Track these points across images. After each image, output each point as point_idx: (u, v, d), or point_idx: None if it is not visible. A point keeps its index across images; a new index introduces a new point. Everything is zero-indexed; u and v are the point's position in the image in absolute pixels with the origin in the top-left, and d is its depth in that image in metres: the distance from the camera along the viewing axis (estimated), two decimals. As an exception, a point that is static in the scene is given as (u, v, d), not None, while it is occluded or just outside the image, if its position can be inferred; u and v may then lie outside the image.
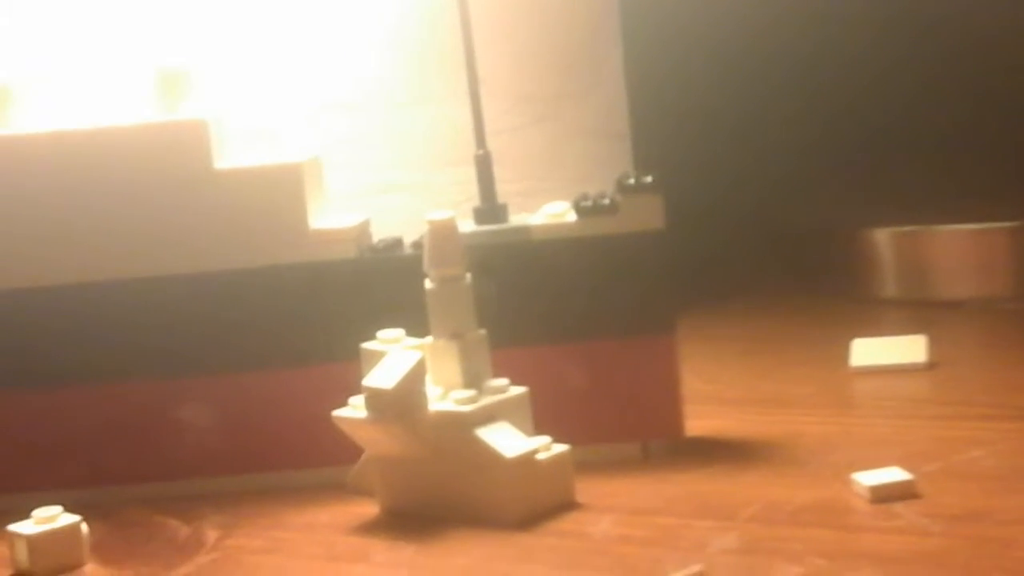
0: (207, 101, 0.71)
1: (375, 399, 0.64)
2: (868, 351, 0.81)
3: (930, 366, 0.80)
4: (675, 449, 0.70)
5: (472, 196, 0.72)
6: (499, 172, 0.94)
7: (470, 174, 0.72)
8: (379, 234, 0.72)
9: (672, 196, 1.00)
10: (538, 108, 0.95)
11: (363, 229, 0.71)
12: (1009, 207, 0.96)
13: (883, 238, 0.97)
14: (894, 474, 0.61)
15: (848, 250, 0.99)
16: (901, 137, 1.09)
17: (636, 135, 0.95)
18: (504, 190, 0.94)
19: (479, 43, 0.93)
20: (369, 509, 0.66)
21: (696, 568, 0.52)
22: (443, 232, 0.65)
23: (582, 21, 0.95)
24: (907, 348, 0.81)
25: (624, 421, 0.70)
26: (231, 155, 0.71)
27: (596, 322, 0.69)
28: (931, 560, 0.54)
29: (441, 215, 0.65)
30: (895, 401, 0.75)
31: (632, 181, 0.69)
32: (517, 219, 0.71)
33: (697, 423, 0.72)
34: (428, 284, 0.66)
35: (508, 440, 0.63)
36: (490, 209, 0.71)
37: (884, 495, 0.60)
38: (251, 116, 0.77)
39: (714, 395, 0.79)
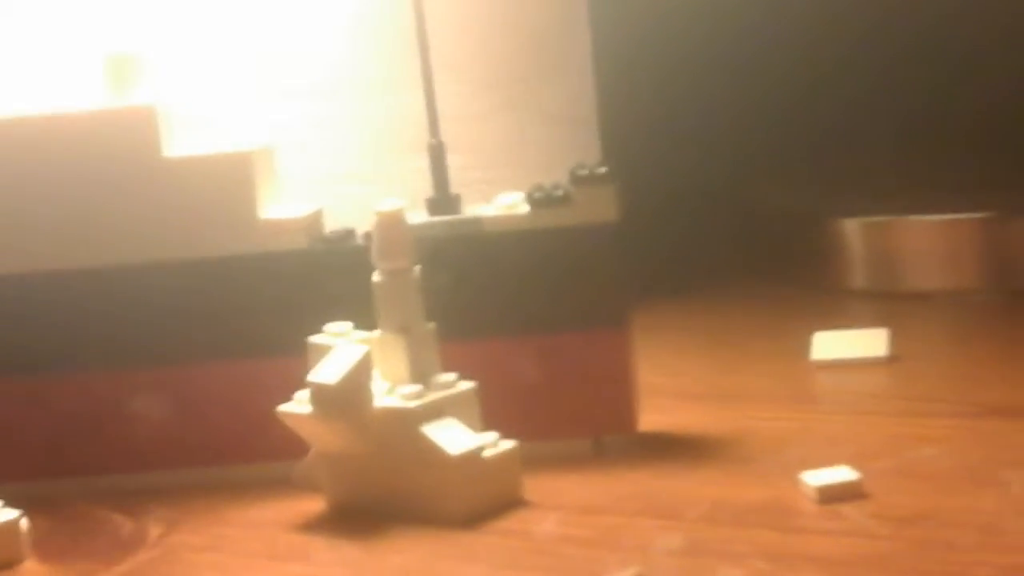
0: (158, 88, 0.70)
1: (320, 394, 0.63)
2: (829, 344, 0.80)
3: (892, 360, 0.79)
4: (628, 445, 0.69)
5: (427, 185, 0.71)
6: (464, 159, 0.93)
7: (426, 162, 0.71)
8: (339, 223, 0.71)
9: (639, 183, 0.99)
10: (503, 94, 0.94)
11: (315, 219, 0.70)
12: (979, 199, 0.95)
13: (852, 228, 0.96)
14: (842, 474, 0.60)
15: (817, 240, 0.98)
16: (870, 126, 1.08)
17: (603, 121, 0.94)
18: (469, 177, 0.93)
19: (443, 28, 0.92)
20: (315, 505, 0.65)
21: (634, 570, 0.51)
22: (391, 223, 0.64)
23: (549, 5, 0.94)
24: (868, 342, 0.80)
25: (576, 416, 0.69)
26: (185, 143, 0.70)
27: (549, 315, 0.68)
28: (875, 563, 0.53)
29: (389, 206, 0.64)
30: (853, 396, 0.75)
31: (585, 172, 0.67)
32: (470, 210, 0.69)
33: (653, 418, 0.72)
34: (376, 276, 0.65)
35: (454, 437, 0.62)
36: (443, 200, 0.70)
37: (831, 495, 0.59)
38: (206, 102, 0.76)
39: (673, 389, 0.78)
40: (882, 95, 1.08)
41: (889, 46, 1.08)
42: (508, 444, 0.64)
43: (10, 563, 0.62)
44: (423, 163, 0.72)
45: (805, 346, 0.81)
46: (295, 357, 0.65)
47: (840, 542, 0.55)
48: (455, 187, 0.72)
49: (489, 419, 0.65)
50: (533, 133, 0.94)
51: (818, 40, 1.09)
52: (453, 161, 0.93)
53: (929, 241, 0.94)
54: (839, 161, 1.08)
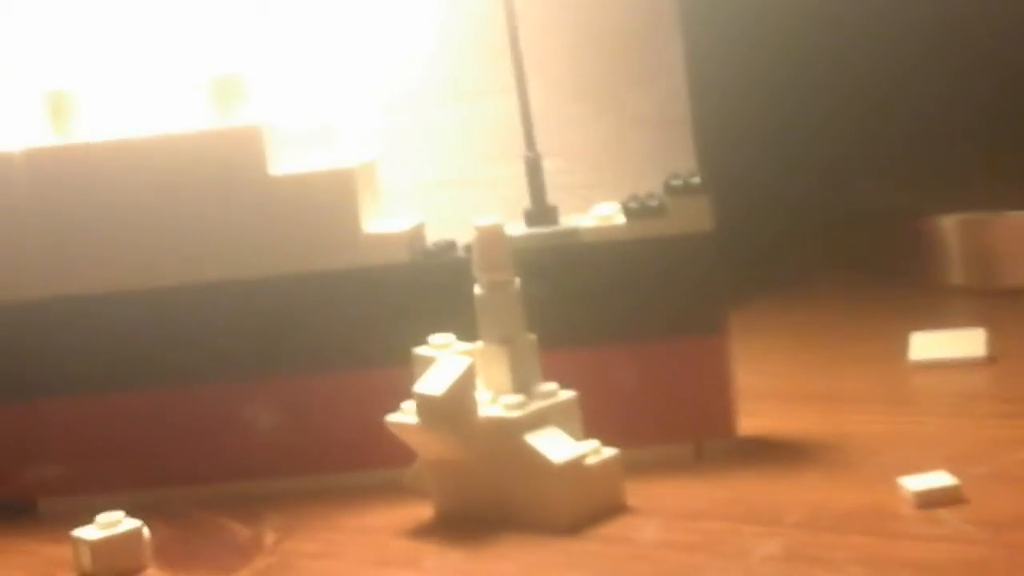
0: (261, 105, 0.72)
1: (425, 405, 0.64)
2: (927, 345, 0.80)
3: (990, 360, 0.79)
4: (728, 449, 0.70)
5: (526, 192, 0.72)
6: (559, 164, 0.95)
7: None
8: (440, 233, 0.72)
9: (733, 184, 1.00)
10: (597, 98, 0.95)
11: (417, 232, 0.72)
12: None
13: (949, 224, 0.97)
14: (940, 479, 0.61)
15: (913, 237, 0.99)
16: (965, 121, 1.08)
17: (696, 124, 0.95)
18: (564, 182, 0.95)
19: (535, 36, 0.93)
20: (424, 512, 0.67)
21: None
22: (491, 238, 0.66)
23: (642, 8, 0.94)
24: (966, 342, 0.80)
25: (676, 422, 0.70)
26: (287, 158, 0.72)
27: (646, 323, 0.70)
28: (971, 569, 0.54)
29: (488, 221, 0.66)
30: (951, 398, 0.75)
31: (679, 182, 0.69)
32: (567, 221, 0.71)
33: (752, 421, 0.73)
34: (477, 289, 0.66)
35: (557, 445, 0.64)
36: (540, 211, 0.71)
37: (929, 501, 0.60)
38: (308, 117, 0.78)
39: (770, 391, 0.79)
40: (976, 89, 1.08)
41: (982, 40, 1.08)
42: (610, 451, 0.65)
43: (134, 571, 0.64)
44: (520, 169, 0.73)
45: (903, 346, 0.81)
46: (401, 368, 0.67)
47: (937, 548, 0.56)
48: (551, 192, 0.73)
49: (590, 427, 0.66)
50: (628, 137, 0.95)
51: (911, 36, 1.09)
52: (548, 166, 0.94)
53: (1025, 237, 0.94)
54: (934, 158, 1.08)
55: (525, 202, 0.72)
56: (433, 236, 0.72)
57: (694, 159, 0.94)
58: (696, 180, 0.69)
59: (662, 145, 0.95)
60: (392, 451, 0.67)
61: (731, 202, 0.99)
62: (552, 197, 0.72)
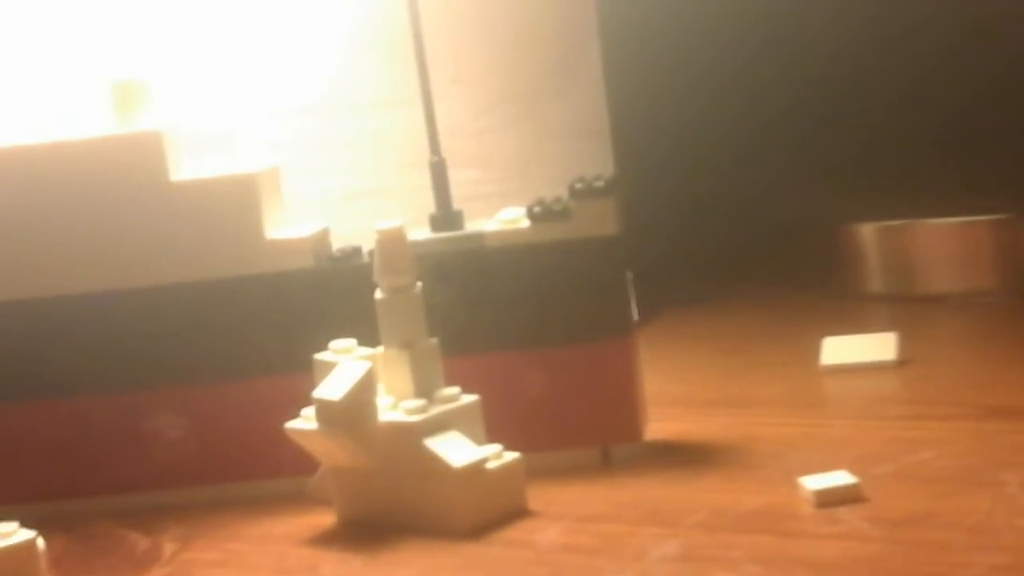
0: (164, 111, 0.72)
1: (324, 410, 0.64)
2: (838, 349, 0.80)
3: (901, 364, 0.79)
4: (635, 454, 0.70)
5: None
6: (478, 173, 0.95)
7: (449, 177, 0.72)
8: (351, 241, 0.72)
9: (652, 193, 1.00)
10: (517, 107, 0.95)
11: (321, 237, 0.71)
12: (993, 200, 0.95)
13: (867, 233, 0.97)
14: (840, 478, 0.61)
15: (832, 245, 0.99)
16: (885, 131, 1.08)
17: (617, 132, 0.95)
18: (483, 191, 0.95)
19: (454, 46, 0.93)
20: (326, 519, 0.66)
21: (624, 579, 0.52)
22: (392, 241, 0.65)
23: (559, 19, 0.95)
24: (877, 346, 0.80)
25: (583, 427, 0.70)
26: (192, 166, 0.71)
27: (552, 328, 0.69)
28: (866, 566, 0.54)
29: (390, 224, 0.65)
30: (859, 401, 0.75)
31: (583, 186, 0.68)
32: (472, 226, 0.70)
33: (661, 426, 0.72)
34: (378, 294, 0.66)
35: (457, 449, 0.63)
36: (445, 216, 0.71)
37: (829, 500, 0.60)
38: (214, 123, 0.77)
39: (683, 397, 0.79)
40: (894, 100, 1.08)
41: (900, 53, 1.08)
42: (512, 456, 0.64)
43: (27, 583, 0.63)
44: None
45: (816, 352, 0.81)
46: (303, 374, 0.66)
47: (833, 545, 0.56)
48: (470, 201, 0.72)
49: (496, 432, 0.66)
50: (547, 147, 0.95)
51: (831, 48, 1.09)
52: (467, 175, 0.94)
53: (943, 244, 0.94)
54: (852, 166, 1.08)
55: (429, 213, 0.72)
56: (342, 244, 0.72)
57: (613, 169, 0.94)
58: (600, 183, 0.68)
59: (581, 155, 0.95)
60: (296, 459, 0.67)
61: (649, 212, 0.99)
62: (468, 207, 0.72)
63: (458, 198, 0.72)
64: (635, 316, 0.71)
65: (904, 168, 1.05)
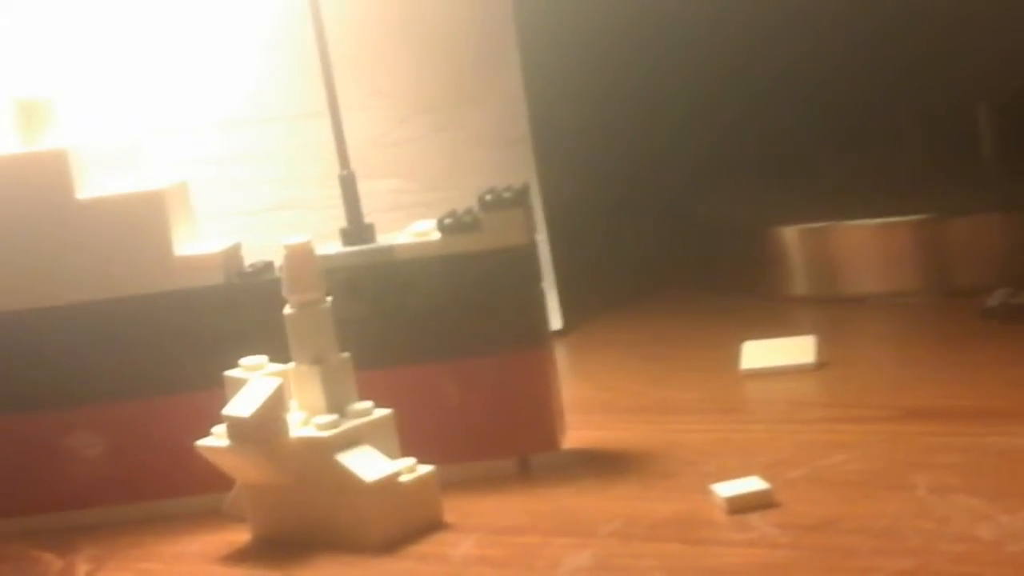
0: (70, 129, 0.71)
1: (235, 427, 0.63)
2: (758, 354, 0.80)
3: (820, 366, 0.79)
4: (553, 463, 0.69)
5: (366, 212, 0.71)
6: (400, 183, 0.95)
7: (363, 188, 0.71)
8: (270, 255, 0.71)
9: (573, 198, 1.00)
10: (438, 116, 0.95)
11: (232, 253, 0.71)
12: (914, 201, 0.95)
13: (790, 235, 0.97)
14: (752, 484, 0.61)
15: (755, 248, 0.99)
16: (804, 132, 1.09)
17: (538, 139, 0.95)
18: (405, 201, 0.94)
19: (375, 53, 0.93)
20: (242, 536, 0.66)
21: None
22: (299, 256, 0.65)
23: (477, 28, 0.94)
24: (796, 349, 0.80)
25: (499, 438, 0.69)
26: (100, 183, 0.70)
27: (466, 339, 0.69)
28: (772, 572, 0.54)
29: (297, 239, 0.65)
30: (776, 405, 0.75)
31: (492, 197, 0.68)
32: (384, 239, 0.70)
33: (580, 434, 0.72)
34: (287, 309, 0.65)
35: (369, 464, 0.63)
36: (356, 230, 0.70)
37: (741, 506, 0.60)
38: (123, 139, 0.76)
39: (604, 404, 0.79)
40: (812, 100, 1.09)
41: (822, 54, 1.09)
42: (425, 469, 0.64)
43: (-64, 608, 0.63)
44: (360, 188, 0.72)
45: (737, 356, 0.81)
46: (216, 391, 0.66)
47: (742, 552, 0.56)
48: (391, 212, 0.72)
49: (412, 445, 0.65)
50: (469, 155, 0.95)
51: (752, 50, 1.10)
52: (389, 185, 0.94)
53: (866, 245, 0.95)
54: (773, 168, 1.09)
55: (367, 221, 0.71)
56: (255, 259, 0.71)
57: (535, 177, 0.93)
58: (508, 194, 0.68)
59: (502, 162, 0.95)
60: (210, 476, 0.66)
61: (572, 218, 0.99)
62: (390, 216, 0.72)
63: (379, 208, 0.72)
64: (556, 323, 0.70)
65: (824, 170, 1.06)
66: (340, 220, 0.71)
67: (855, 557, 0.54)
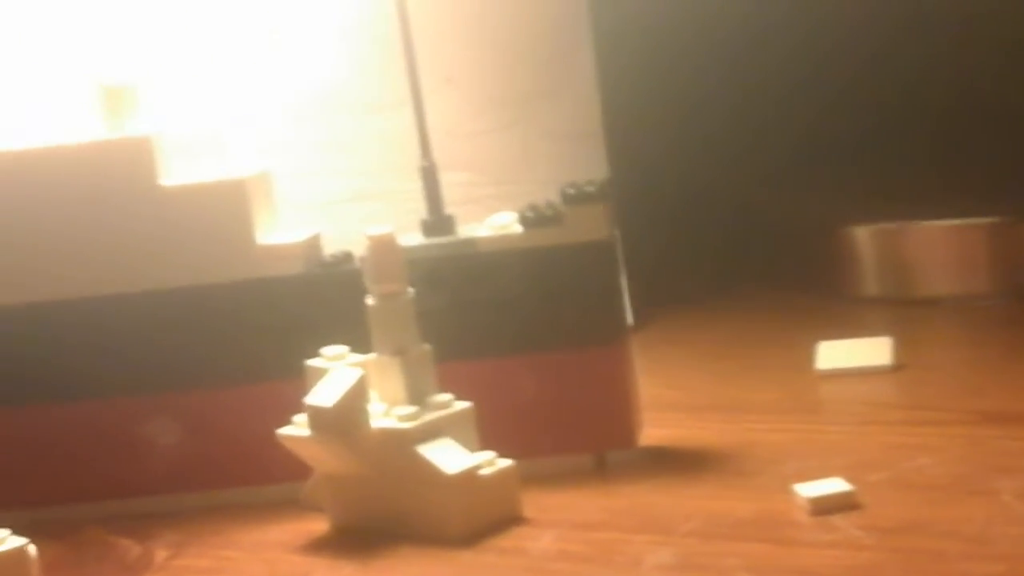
0: (155, 116, 0.71)
1: (316, 417, 0.63)
2: (834, 354, 0.80)
3: (896, 368, 0.79)
4: (629, 460, 0.69)
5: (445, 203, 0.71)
6: (472, 176, 0.94)
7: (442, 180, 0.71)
8: (345, 244, 0.71)
9: (647, 196, 1.00)
10: (510, 109, 0.94)
11: (313, 243, 0.71)
12: (989, 203, 0.95)
13: (863, 235, 0.96)
14: (835, 485, 0.60)
15: (828, 248, 0.98)
16: (880, 133, 1.08)
17: (610, 134, 0.95)
18: (478, 194, 0.94)
19: (450, 47, 0.93)
20: (320, 526, 0.66)
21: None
22: (383, 247, 0.65)
23: (552, 21, 0.94)
24: (873, 351, 0.80)
25: (576, 433, 0.69)
26: (184, 171, 0.70)
27: (545, 333, 0.69)
28: (858, 574, 0.53)
29: (380, 230, 0.65)
30: (854, 406, 0.75)
31: (574, 191, 0.68)
32: (465, 231, 0.70)
33: (656, 432, 0.72)
34: (369, 300, 0.65)
35: (450, 456, 0.63)
36: (437, 221, 0.70)
37: (824, 507, 0.59)
38: (205, 127, 0.77)
39: (678, 402, 0.79)
40: (892, 102, 1.08)
41: (901, 55, 1.08)
42: (505, 462, 0.64)
43: (18, 590, 0.63)
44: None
45: (811, 356, 0.81)
46: (296, 381, 0.66)
47: (828, 554, 0.55)
48: (463, 205, 0.72)
49: (490, 437, 0.65)
50: (541, 149, 0.95)
51: (828, 49, 1.09)
52: (460, 178, 0.94)
53: (940, 246, 0.94)
54: (849, 168, 1.08)
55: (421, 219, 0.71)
56: (334, 249, 0.71)
57: (607, 172, 0.93)
58: (591, 188, 0.68)
59: (574, 157, 0.94)
60: (289, 465, 0.66)
61: (645, 214, 0.99)
62: (462, 209, 0.72)
63: (451, 201, 0.72)
64: (629, 320, 0.70)
65: (900, 170, 1.05)
66: (414, 211, 0.71)
67: (943, 561, 0.53)
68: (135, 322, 0.70)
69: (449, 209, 0.71)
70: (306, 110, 0.91)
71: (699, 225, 1.06)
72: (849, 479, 0.61)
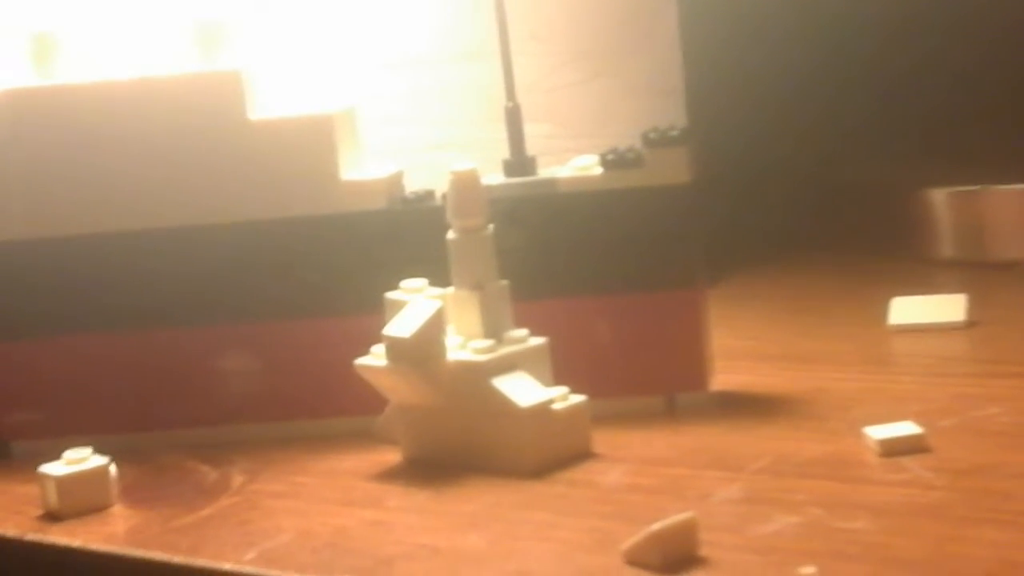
0: (246, 53, 0.72)
1: (394, 348, 0.64)
2: (907, 310, 0.80)
3: (969, 325, 0.79)
4: (700, 403, 0.70)
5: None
6: (552, 128, 0.95)
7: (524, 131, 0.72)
8: (423, 186, 0.72)
9: (726, 154, 1.00)
10: (593, 64, 0.95)
11: (395, 180, 0.72)
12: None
13: (939, 198, 0.96)
14: (905, 428, 0.61)
15: (904, 209, 0.98)
16: (959, 96, 1.07)
17: (690, 93, 0.95)
18: (557, 146, 0.95)
19: (531, 1, 0.93)
20: (392, 457, 0.67)
21: (687, 515, 0.52)
22: (465, 183, 0.66)
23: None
24: (946, 307, 0.80)
25: (648, 374, 0.70)
26: (272, 106, 0.72)
27: (621, 275, 0.70)
28: (928, 512, 0.54)
29: (464, 166, 0.66)
30: (926, 359, 0.75)
31: (657, 135, 0.69)
32: (545, 172, 0.71)
33: (728, 378, 0.73)
34: (450, 234, 0.66)
35: (524, 390, 0.64)
36: (518, 161, 0.71)
37: (894, 449, 0.60)
38: (293, 70, 0.78)
39: (751, 351, 0.79)
40: (971, 65, 1.07)
41: (980, 19, 1.07)
42: (578, 398, 0.65)
43: (99, 507, 0.65)
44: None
45: (885, 312, 0.81)
46: (375, 314, 0.67)
47: (896, 492, 0.56)
48: (543, 156, 0.73)
49: (563, 376, 0.66)
50: (621, 104, 0.95)
51: (910, 13, 1.09)
52: (541, 130, 0.95)
53: (1015, 210, 0.94)
54: (927, 132, 1.08)
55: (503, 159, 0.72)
56: (416, 187, 0.72)
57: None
58: (674, 132, 0.69)
59: (654, 112, 0.95)
60: (363, 399, 0.68)
61: (723, 173, 0.99)
62: (541, 161, 0.72)
63: (531, 152, 0.72)
64: (705, 273, 0.71)
65: (977, 134, 1.05)
66: (496, 160, 0.72)
67: (1013, 500, 0.54)
68: (220, 253, 0.71)
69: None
70: (392, 58, 0.92)
71: (777, 185, 1.06)
72: (919, 424, 0.61)
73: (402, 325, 0.64)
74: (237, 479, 0.67)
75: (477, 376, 0.64)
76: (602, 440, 0.65)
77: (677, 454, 0.64)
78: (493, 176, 0.70)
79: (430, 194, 0.71)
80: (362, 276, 0.70)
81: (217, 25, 0.72)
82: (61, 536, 0.62)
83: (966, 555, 0.50)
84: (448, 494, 0.62)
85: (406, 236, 0.70)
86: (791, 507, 0.56)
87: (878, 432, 0.61)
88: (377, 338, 0.66)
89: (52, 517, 0.64)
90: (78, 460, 0.65)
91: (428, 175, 0.73)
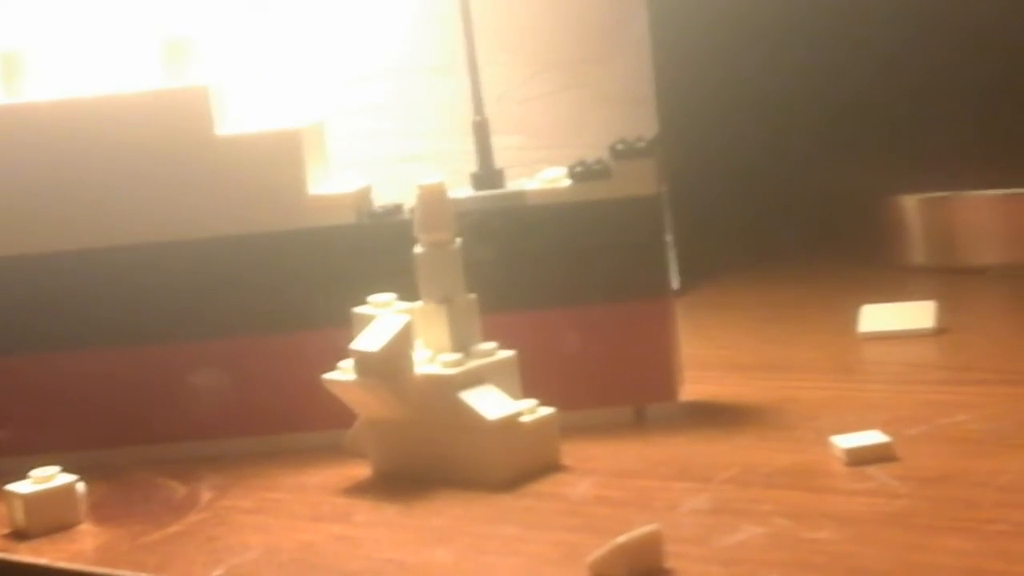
0: (214, 69, 0.72)
1: (362, 362, 0.64)
2: (877, 317, 0.80)
3: (938, 332, 0.79)
4: (669, 414, 0.70)
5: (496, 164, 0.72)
6: (523, 140, 0.95)
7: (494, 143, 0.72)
8: (391, 200, 0.72)
9: (696, 162, 1.00)
10: (563, 74, 0.95)
11: (363, 195, 0.72)
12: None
13: (910, 204, 0.97)
14: (873, 437, 0.61)
15: (875, 216, 0.98)
16: (928, 102, 1.08)
17: (661, 100, 0.95)
18: (528, 157, 0.95)
19: (502, 11, 0.93)
20: (362, 471, 0.67)
21: (651, 528, 0.52)
22: (433, 197, 0.66)
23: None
24: (916, 314, 0.80)
25: (617, 386, 0.70)
26: (238, 122, 0.72)
27: (589, 286, 0.70)
28: (893, 520, 0.54)
29: (431, 180, 0.66)
30: (895, 367, 0.75)
31: (624, 146, 0.69)
32: (513, 184, 0.71)
33: (697, 388, 0.73)
34: (417, 248, 0.66)
35: (491, 403, 0.64)
36: (486, 174, 0.71)
37: (860, 458, 0.60)
38: (260, 85, 0.78)
39: (721, 361, 0.79)
40: (942, 70, 1.08)
41: (950, 22, 1.08)
42: (546, 410, 0.65)
43: (67, 525, 0.64)
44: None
45: (855, 320, 0.81)
46: (342, 329, 0.67)
47: (863, 501, 0.56)
48: (513, 168, 0.73)
49: (532, 389, 0.66)
50: (592, 113, 0.95)
51: (880, 17, 1.09)
52: (512, 142, 0.95)
53: (986, 216, 0.94)
54: (897, 138, 1.08)
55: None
56: (384, 201, 0.72)
57: (658, 136, 0.94)
58: (641, 144, 0.69)
59: (627, 122, 0.95)
60: (333, 413, 0.68)
61: (693, 180, 0.99)
62: (511, 173, 0.72)
63: (501, 164, 0.72)
64: (675, 283, 0.71)
65: (948, 140, 1.05)
66: (464, 172, 0.72)
67: (977, 508, 0.54)
68: (188, 269, 0.71)
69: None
70: (361, 72, 0.92)
71: (747, 192, 1.07)
72: (886, 433, 0.61)
73: (370, 339, 0.64)
74: (206, 495, 0.67)
75: (445, 390, 0.64)
76: (571, 452, 0.65)
77: (646, 465, 0.64)
78: (461, 189, 0.71)
79: (398, 208, 0.71)
80: (330, 290, 0.70)
81: (183, 41, 0.72)
82: (28, 555, 0.62)
83: (931, 564, 0.50)
84: (416, 508, 0.62)
85: (374, 250, 0.70)
86: (758, 517, 0.56)
87: (845, 441, 0.61)
88: (345, 353, 0.66)
89: (19, 535, 0.64)
90: (45, 479, 0.65)
91: (397, 189, 0.74)
